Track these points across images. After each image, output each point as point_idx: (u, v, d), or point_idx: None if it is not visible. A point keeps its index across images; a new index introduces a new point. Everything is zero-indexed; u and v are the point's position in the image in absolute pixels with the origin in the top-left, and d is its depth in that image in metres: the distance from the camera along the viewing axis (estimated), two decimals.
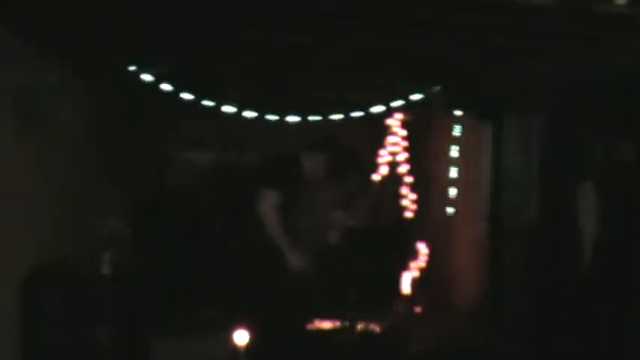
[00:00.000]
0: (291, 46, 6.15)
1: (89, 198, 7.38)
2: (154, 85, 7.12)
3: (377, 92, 7.96)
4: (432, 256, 8.47)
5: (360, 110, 8.43)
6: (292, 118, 8.54)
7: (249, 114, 8.31)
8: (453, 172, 8.59)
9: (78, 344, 5.88)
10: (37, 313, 5.73)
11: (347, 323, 7.05)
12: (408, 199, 8.85)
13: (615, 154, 6.49)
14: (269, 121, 8.49)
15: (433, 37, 5.61)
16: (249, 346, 5.69)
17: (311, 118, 8.59)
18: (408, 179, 8.85)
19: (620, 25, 4.86)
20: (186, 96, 7.65)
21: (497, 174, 7.78)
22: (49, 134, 6.19)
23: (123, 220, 7.70)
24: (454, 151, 8.66)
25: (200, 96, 7.82)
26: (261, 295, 5.91)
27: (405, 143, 8.91)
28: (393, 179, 8.92)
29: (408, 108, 8.13)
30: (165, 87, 7.28)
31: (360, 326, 7.09)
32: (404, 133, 8.85)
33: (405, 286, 8.05)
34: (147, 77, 6.94)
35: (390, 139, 8.84)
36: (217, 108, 8.05)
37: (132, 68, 6.78)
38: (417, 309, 8.03)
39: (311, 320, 6.83)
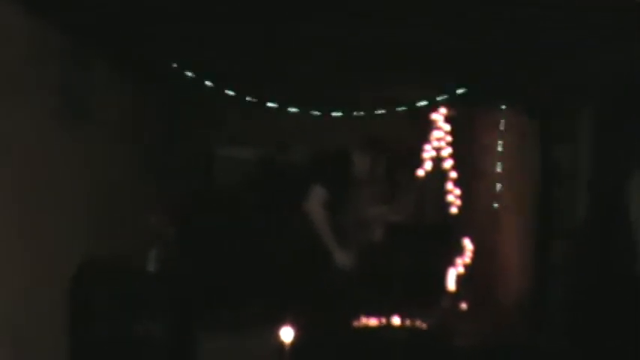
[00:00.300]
0: (335, 41, 6.12)
1: (136, 194, 7.42)
2: (198, 82, 7.12)
3: (421, 87, 7.90)
4: (477, 252, 8.38)
5: (404, 105, 8.37)
6: (337, 114, 8.50)
7: (293, 110, 8.29)
8: (498, 167, 8.49)
9: (125, 339, 5.93)
10: (85, 308, 5.78)
11: (392, 320, 7.01)
12: (453, 195, 8.77)
13: None
14: (314, 117, 8.46)
15: (478, 31, 5.55)
16: (294, 342, 5.68)
17: (355, 113, 8.55)
18: (453, 174, 8.77)
19: None
20: (231, 92, 7.65)
21: (543, 169, 7.69)
22: (96, 132, 6.23)
23: (168, 216, 7.73)
24: (499, 146, 8.56)
25: (244, 92, 7.81)
26: (307, 291, 5.90)
27: (450, 138, 8.82)
28: (438, 174, 8.84)
29: (452, 102, 8.07)
30: (210, 84, 7.28)
31: (405, 323, 7.04)
32: (448, 127, 8.76)
33: (451, 283, 7.99)
34: (191, 74, 6.95)
35: (434, 134, 8.76)
36: (262, 104, 8.04)
37: (176, 65, 6.79)
38: (463, 305, 7.95)
39: (357, 317, 6.81)
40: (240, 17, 5.37)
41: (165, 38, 5.94)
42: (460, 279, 8.08)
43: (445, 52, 6.34)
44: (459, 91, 7.52)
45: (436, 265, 8.26)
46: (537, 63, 6.49)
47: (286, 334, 5.67)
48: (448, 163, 8.80)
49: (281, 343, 5.73)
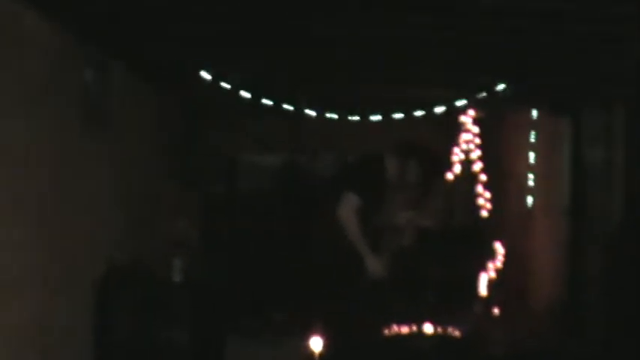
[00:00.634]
0: (362, 43, 6.00)
1: (160, 201, 7.37)
2: (223, 87, 7.03)
3: (449, 89, 7.77)
4: (508, 256, 8.23)
5: (432, 108, 8.26)
6: (364, 118, 8.39)
7: (320, 115, 8.18)
8: (529, 169, 8.36)
9: (150, 346, 5.88)
10: (110, 315, 5.72)
11: (424, 327, 6.87)
12: (483, 198, 8.63)
13: None
14: (342, 122, 8.35)
15: (507, 30, 5.42)
16: (324, 352, 5.56)
17: (381, 117, 8.44)
18: (483, 177, 8.63)
19: None
20: (256, 97, 7.55)
21: (576, 170, 7.54)
22: (118, 137, 6.18)
23: (192, 222, 7.67)
24: (529, 148, 8.43)
25: (269, 97, 7.72)
26: (337, 299, 5.78)
27: (479, 140, 8.69)
28: (467, 177, 8.71)
29: (481, 104, 7.93)
30: (235, 88, 7.19)
31: (437, 330, 6.90)
32: (477, 130, 8.63)
33: (483, 288, 7.83)
34: (216, 79, 6.86)
35: (463, 136, 8.63)
36: (287, 109, 7.94)
37: (201, 70, 6.71)
38: (495, 311, 7.80)
39: (388, 325, 6.68)
40: (268, 19, 5.26)
41: (189, 42, 5.85)
42: (492, 284, 7.93)
43: (474, 53, 6.20)
44: (489, 92, 7.38)
45: (467, 270, 8.13)
46: (568, 61, 6.33)
47: (315, 344, 5.54)
48: (478, 166, 8.66)
49: (310, 353, 5.60)
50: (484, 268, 8.00)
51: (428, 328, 6.81)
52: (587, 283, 7.40)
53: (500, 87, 7.05)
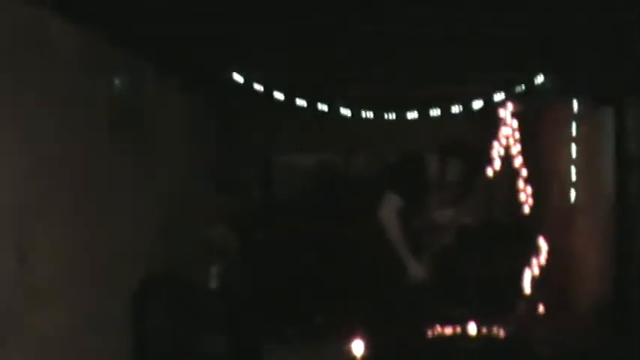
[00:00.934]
0: (397, 40, 5.88)
1: (195, 206, 7.31)
2: (256, 88, 6.96)
3: (488, 83, 7.64)
4: (552, 252, 8.05)
5: (470, 103, 8.13)
6: (401, 117, 8.28)
7: (356, 114, 8.09)
8: (572, 163, 8.17)
9: (187, 355, 5.80)
10: (147, 325, 5.65)
11: (468, 328, 6.72)
12: (525, 193, 8.46)
13: None
14: (378, 121, 8.25)
15: (544, 21, 5.27)
16: (366, 356, 5.46)
17: (418, 115, 8.32)
18: (524, 172, 8.46)
19: None
20: (291, 98, 7.48)
21: (620, 162, 7.36)
22: (152, 140, 6.13)
23: (229, 227, 7.60)
24: (571, 141, 8.25)
25: (304, 97, 7.63)
26: (379, 302, 5.69)
27: (519, 135, 8.52)
28: (508, 173, 8.54)
29: (520, 98, 7.79)
30: (269, 89, 7.12)
31: (482, 330, 6.75)
32: (517, 124, 8.46)
33: (526, 286, 7.66)
34: (250, 80, 6.80)
35: (502, 130, 8.46)
36: (322, 109, 7.85)
37: (233, 71, 6.64)
38: (539, 309, 7.63)
39: (431, 326, 6.55)
40: (300, 18, 5.17)
41: (220, 43, 5.77)
42: (536, 281, 7.76)
43: (511, 45, 6.06)
44: (528, 85, 7.24)
45: (510, 267, 7.96)
46: (609, 51, 6.16)
47: (357, 348, 5.43)
48: (518, 161, 8.49)
49: (351, 357, 5.49)
50: (527, 266, 7.83)
51: (472, 329, 6.66)
52: (632, 281, 7.23)
53: (539, 79, 6.90)
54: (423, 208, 5.90)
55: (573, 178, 8.25)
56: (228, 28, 5.33)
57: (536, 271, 7.95)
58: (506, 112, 8.50)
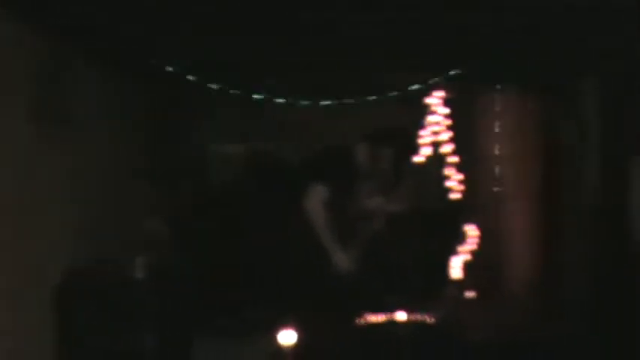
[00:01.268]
0: (326, 28, 5.88)
1: (126, 197, 7.23)
2: (189, 79, 6.89)
3: (415, 70, 7.67)
4: (482, 238, 8.13)
5: (398, 91, 8.15)
6: (330, 104, 8.26)
7: (285, 102, 8.04)
8: (501, 150, 8.25)
9: (115, 349, 5.73)
10: (73, 319, 5.57)
11: (398, 315, 6.75)
12: (454, 180, 8.52)
13: None
14: (309, 109, 8.21)
15: (470, 8, 5.32)
16: (296, 346, 5.45)
17: (348, 103, 8.31)
18: (453, 159, 8.52)
19: None
20: (223, 87, 7.42)
21: (546, 149, 7.47)
22: (79, 133, 6.02)
23: (162, 219, 7.53)
24: (497, 127, 8.33)
25: (236, 86, 7.58)
26: (307, 293, 5.69)
27: (447, 122, 8.57)
28: (438, 160, 8.59)
29: (448, 84, 7.83)
30: (201, 79, 7.05)
31: (412, 317, 6.79)
32: (445, 111, 8.51)
33: (456, 272, 7.73)
34: (182, 70, 6.72)
35: (431, 118, 8.51)
36: (254, 98, 7.81)
37: (166, 62, 6.57)
38: (470, 295, 7.70)
39: (361, 315, 6.56)
40: (226, 7, 5.13)
41: (150, 31, 5.70)
42: (466, 267, 7.84)
43: (438, 32, 6.10)
44: (454, 72, 7.29)
45: (440, 254, 8.02)
46: (533, 38, 6.24)
47: (287, 338, 5.42)
48: (447, 148, 8.55)
49: (282, 347, 5.48)
50: (457, 252, 7.90)
51: (402, 316, 6.68)
52: (563, 263, 7.34)
53: (468, 67, 6.95)
54: (352, 196, 5.90)
55: (502, 165, 8.34)
56: (159, 15, 5.27)
57: (467, 258, 8.03)
58: (435, 100, 8.55)
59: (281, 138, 9.11)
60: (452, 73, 7.31)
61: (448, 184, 8.48)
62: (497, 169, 8.32)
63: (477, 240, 8.07)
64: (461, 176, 8.53)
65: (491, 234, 8.25)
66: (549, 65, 6.95)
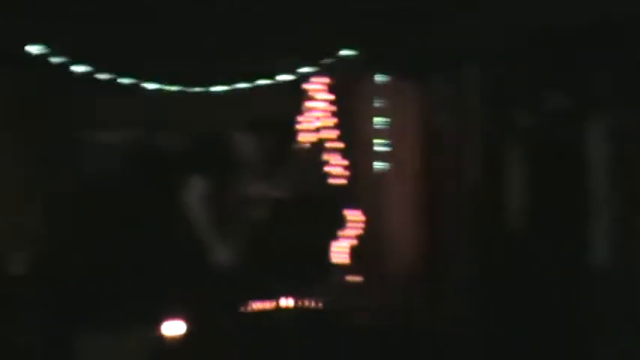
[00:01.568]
0: (201, 14, 5.78)
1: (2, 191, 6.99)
2: (55, 62, 6.68)
3: (296, 56, 7.65)
4: (367, 223, 8.20)
5: (276, 76, 8.12)
6: (208, 92, 8.16)
7: (163, 90, 7.91)
8: (381, 135, 8.32)
9: None
10: None
11: (284, 301, 6.74)
12: (337, 166, 8.55)
13: (545, 105, 6.34)
14: (184, 97, 8.09)
15: None
16: (181, 336, 5.39)
17: (225, 90, 8.24)
18: (336, 145, 8.55)
19: None
20: (94, 72, 7.24)
21: (428, 134, 7.59)
22: None
23: (39, 213, 7.31)
24: (381, 113, 8.40)
25: (108, 71, 7.41)
26: (190, 284, 5.63)
27: (330, 108, 8.59)
28: (319, 146, 8.60)
29: (330, 71, 7.85)
30: (68, 64, 6.86)
31: (297, 303, 6.79)
32: (327, 97, 8.53)
33: (341, 257, 7.77)
34: (47, 54, 6.51)
35: (312, 104, 8.51)
36: (127, 84, 7.65)
37: (29, 44, 6.34)
38: (355, 280, 7.75)
39: (245, 303, 6.52)
40: None
41: (12, 13, 5.48)
42: (351, 252, 7.88)
43: (321, 18, 6.09)
44: (334, 58, 7.32)
45: (324, 239, 8.04)
46: (415, 25, 6.30)
47: (169, 328, 5.35)
48: (329, 134, 8.57)
49: (166, 338, 5.40)
50: (341, 237, 7.94)
51: (288, 302, 6.68)
52: (448, 247, 7.47)
53: (348, 53, 6.97)
54: (233, 185, 5.86)
55: (384, 149, 8.41)
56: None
57: (352, 242, 8.08)
58: (316, 86, 8.55)
59: (160, 127, 8.97)
60: (335, 58, 7.33)
61: (330, 169, 8.52)
62: (380, 155, 8.39)
63: (362, 225, 8.13)
64: (345, 162, 8.58)
65: (376, 219, 8.32)
66: (431, 51, 7.05)
